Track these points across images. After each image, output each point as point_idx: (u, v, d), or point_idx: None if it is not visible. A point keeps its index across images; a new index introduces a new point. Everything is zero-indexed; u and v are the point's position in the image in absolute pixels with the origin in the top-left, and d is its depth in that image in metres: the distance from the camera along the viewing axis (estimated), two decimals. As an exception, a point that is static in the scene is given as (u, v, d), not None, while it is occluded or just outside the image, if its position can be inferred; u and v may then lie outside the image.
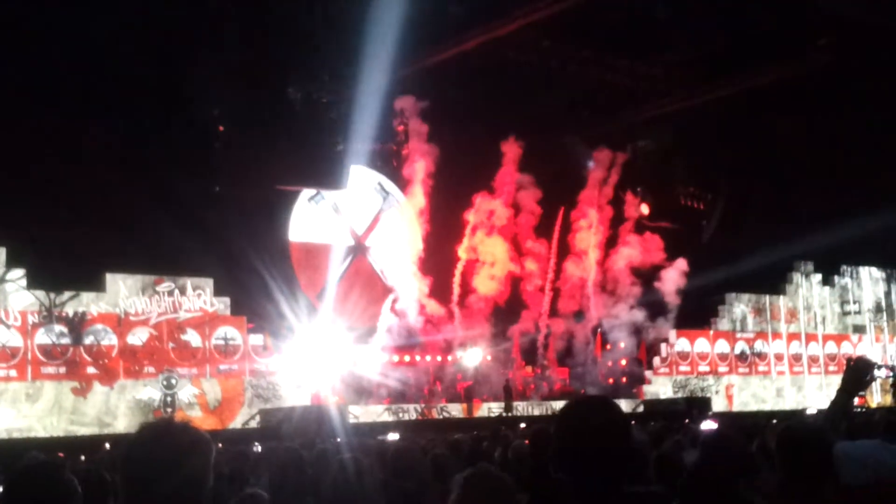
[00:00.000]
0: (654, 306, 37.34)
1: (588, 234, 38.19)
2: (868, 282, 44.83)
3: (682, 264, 37.31)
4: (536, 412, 31.72)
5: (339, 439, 16.51)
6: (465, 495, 3.83)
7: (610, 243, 38.66)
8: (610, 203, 38.94)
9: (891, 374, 32.74)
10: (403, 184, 36.35)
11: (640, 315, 37.06)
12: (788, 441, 4.34)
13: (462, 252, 36.20)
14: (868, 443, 5.33)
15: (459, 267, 36.13)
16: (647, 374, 37.64)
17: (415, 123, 35.03)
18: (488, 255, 36.06)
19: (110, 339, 27.74)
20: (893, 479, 4.98)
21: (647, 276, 37.56)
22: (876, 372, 5.35)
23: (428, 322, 34.75)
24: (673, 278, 37.19)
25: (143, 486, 2.70)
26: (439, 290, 35.42)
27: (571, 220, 38.23)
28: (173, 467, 2.69)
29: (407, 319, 34.52)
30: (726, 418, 27.85)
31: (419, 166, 35.04)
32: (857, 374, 5.15)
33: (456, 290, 35.86)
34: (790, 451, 4.30)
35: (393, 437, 14.09)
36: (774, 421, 14.14)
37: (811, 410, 29.37)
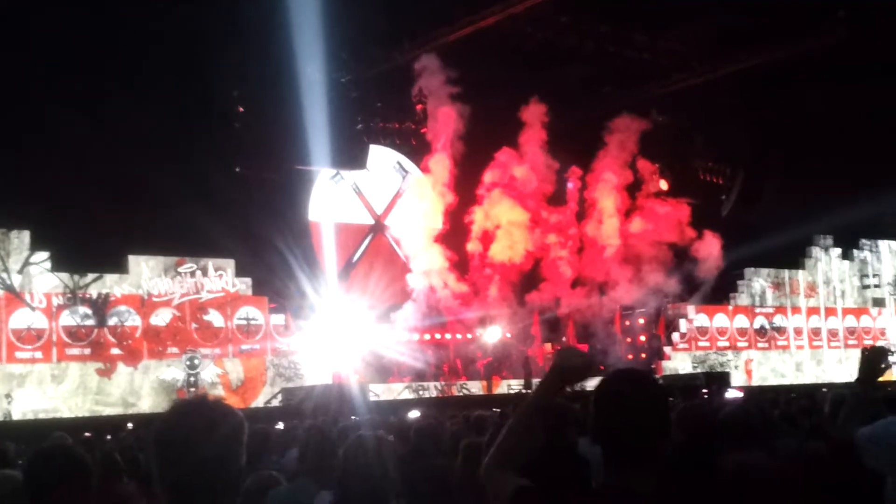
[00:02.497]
0: (680, 282, 36.91)
1: (608, 192, 37.07)
2: (887, 255, 44.65)
3: (714, 241, 36.66)
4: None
5: (358, 417, 16.72)
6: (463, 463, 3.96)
7: (630, 213, 37.83)
8: (629, 167, 37.66)
9: None
10: (425, 152, 35.32)
11: (664, 290, 36.57)
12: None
13: (478, 214, 35.17)
14: (883, 422, 5.41)
15: (476, 230, 35.15)
16: (667, 349, 37.63)
17: (436, 82, 33.75)
18: (503, 219, 35.12)
19: (134, 320, 28.06)
20: None
21: (672, 249, 36.78)
22: (891, 358, 5.40)
23: (452, 298, 34.50)
24: (711, 254, 36.67)
25: (172, 459, 2.70)
26: (461, 266, 35.18)
27: (588, 184, 37.34)
28: (200, 441, 2.68)
29: (429, 296, 34.40)
30: (748, 390, 28.02)
31: (443, 125, 34.02)
32: (872, 363, 5.22)
33: (476, 255, 35.13)
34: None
35: (414, 414, 14.25)
36: (793, 395, 14.31)
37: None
